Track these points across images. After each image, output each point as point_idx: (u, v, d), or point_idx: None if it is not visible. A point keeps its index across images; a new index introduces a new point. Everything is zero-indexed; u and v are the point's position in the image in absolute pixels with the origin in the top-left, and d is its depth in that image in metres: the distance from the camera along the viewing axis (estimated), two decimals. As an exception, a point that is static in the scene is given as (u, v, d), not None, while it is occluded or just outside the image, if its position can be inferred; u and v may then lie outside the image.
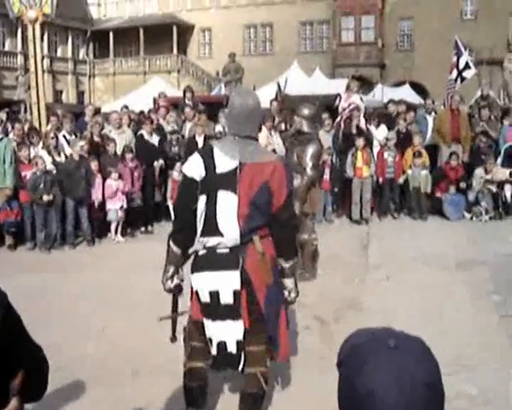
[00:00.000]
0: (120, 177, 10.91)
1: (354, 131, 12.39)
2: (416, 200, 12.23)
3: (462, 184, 12.18)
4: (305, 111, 7.80)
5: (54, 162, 10.51)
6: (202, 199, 3.63)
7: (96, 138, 11.64)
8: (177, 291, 3.89)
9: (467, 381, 4.76)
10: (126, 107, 14.22)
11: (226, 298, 3.58)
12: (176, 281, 3.84)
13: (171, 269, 3.82)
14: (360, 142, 11.86)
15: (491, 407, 4.48)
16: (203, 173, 3.64)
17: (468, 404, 4.44)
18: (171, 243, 3.80)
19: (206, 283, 3.64)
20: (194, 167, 3.70)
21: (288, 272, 3.83)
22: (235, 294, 3.58)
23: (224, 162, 3.61)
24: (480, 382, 4.81)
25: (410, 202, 12.38)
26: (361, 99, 13.92)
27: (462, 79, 16.00)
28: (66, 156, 10.88)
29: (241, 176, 3.57)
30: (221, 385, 4.64)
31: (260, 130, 4.07)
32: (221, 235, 3.58)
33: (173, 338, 4.02)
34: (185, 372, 3.93)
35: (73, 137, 11.63)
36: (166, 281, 3.85)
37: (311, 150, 7.65)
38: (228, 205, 3.56)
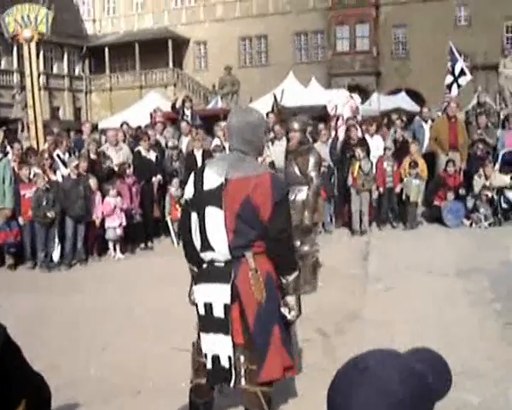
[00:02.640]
0: (119, 194, 10.91)
1: (356, 139, 12.37)
2: (409, 208, 12.25)
3: (462, 191, 12.19)
4: (295, 125, 7.96)
5: (49, 182, 10.48)
6: (194, 216, 3.70)
7: (93, 156, 11.64)
8: None
9: (469, 391, 4.73)
10: (127, 124, 14.17)
11: (218, 311, 3.60)
12: None
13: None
14: (359, 152, 11.83)
15: (494, 417, 4.47)
16: (192, 192, 3.72)
17: (471, 414, 4.43)
18: (187, 261, 3.91)
19: (202, 294, 3.67)
20: (187, 188, 3.81)
21: (287, 288, 3.73)
22: (226, 308, 3.57)
23: (212, 179, 3.65)
24: (482, 391, 4.81)
25: (404, 212, 12.39)
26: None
27: (459, 86, 16.08)
28: (62, 176, 10.90)
29: (226, 191, 3.57)
30: (226, 402, 4.61)
31: (263, 146, 4.05)
32: (213, 250, 3.62)
33: None
34: (191, 388, 3.91)
35: (67, 155, 11.65)
36: (190, 295, 3.91)
37: (312, 159, 7.80)
38: (216, 220, 3.58)
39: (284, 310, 3.76)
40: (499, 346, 5.83)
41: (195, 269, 3.85)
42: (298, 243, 7.31)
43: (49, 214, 10.10)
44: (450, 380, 1.30)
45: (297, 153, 7.88)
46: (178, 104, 15.56)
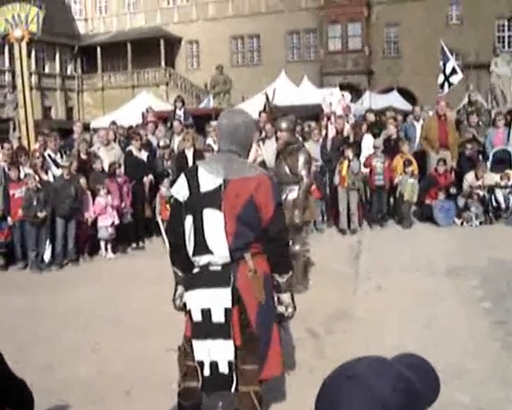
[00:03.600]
0: (109, 193, 10.89)
1: (352, 139, 12.37)
2: (402, 207, 12.27)
3: (452, 190, 12.21)
4: (283, 125, 7.95)
5: (40, 181, 10.47)
6: (189, 219, 3.64)
7: (83, 156, 11.63)
8: (185, 310, 3.89)
9: (459, 389, 4.75)
10: (114, 123, 14.19)
11: (218, 316, 3.57)
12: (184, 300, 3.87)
13: (179, 288, 3.87)
14: (349, 152, 11.81)
15: (484, 415, 4.49)
16: (187, 194, 3.67)
17: (461, 413, 4.44)
18: (172, 265, 3.88)
19: (198, 300, 3.63)
20: (179, 189, 3.75)
21: (283, 287, 3.78)
22: (227, 312, 3.56)
23: (208, 181, 3.63)
24: (473, 390, 4.82)
25: (398, 210, 12.41)
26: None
27: (450, 85, 16.15)
28: (53, 176, 10.89)
29: (226, 193, 3.56)
30: (215, 404, 4.62)
31: (250, 147, 4.07)
32: (211, 253, 3.59)
33: None
34: (179, 392, 3.89)
35: (59, 155, 11.64)
36: (175, 300, 3.91)
37: (302, 158, 7.80)
38: (215, 223, 3.56)
39: (281, 308, 3.83)
40: (486, 344, 5.85)
41: (180, 273, 3.83)
42: (289, 242, 7.33)
43: (39, 214, 10.09)
44: (439, 387, 1.29)
45: (287, 152, 7.89)
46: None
